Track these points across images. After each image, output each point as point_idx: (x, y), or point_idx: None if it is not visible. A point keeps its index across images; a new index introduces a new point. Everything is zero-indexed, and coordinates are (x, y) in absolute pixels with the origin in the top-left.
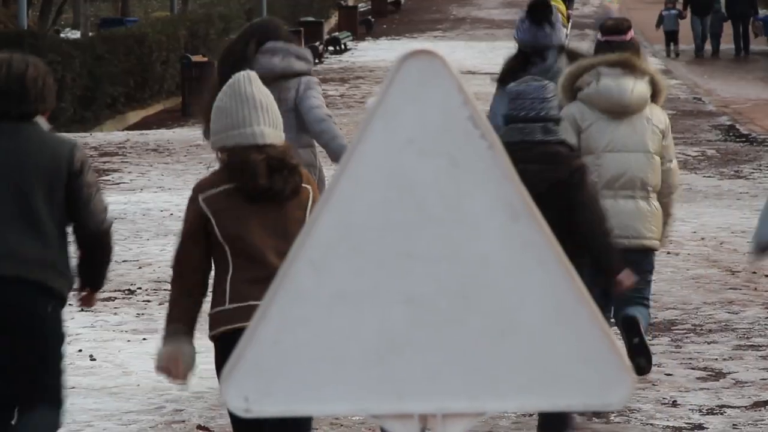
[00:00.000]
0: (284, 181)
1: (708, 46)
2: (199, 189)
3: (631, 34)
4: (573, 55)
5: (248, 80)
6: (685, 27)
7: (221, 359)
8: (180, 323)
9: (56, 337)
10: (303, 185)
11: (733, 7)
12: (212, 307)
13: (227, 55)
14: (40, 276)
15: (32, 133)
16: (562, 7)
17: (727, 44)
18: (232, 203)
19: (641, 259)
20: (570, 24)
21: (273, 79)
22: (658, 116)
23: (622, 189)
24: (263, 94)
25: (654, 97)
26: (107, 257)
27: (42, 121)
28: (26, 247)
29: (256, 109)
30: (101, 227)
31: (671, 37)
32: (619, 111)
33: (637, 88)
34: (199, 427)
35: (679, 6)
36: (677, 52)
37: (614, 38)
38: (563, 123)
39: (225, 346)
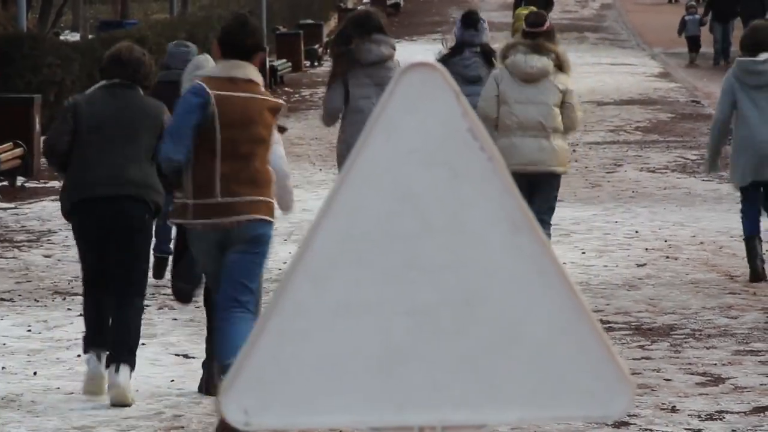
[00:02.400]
0: None
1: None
2: None
3: (547, 25)
4: (487, 51)
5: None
6: (705, 32)
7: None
8: None
9: (148, 236)
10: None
11: (744, 8)
12: None
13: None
14: (143, 193)
15: (136, 96)
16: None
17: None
18: None
19: (544, 181)
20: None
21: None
22: (561, 80)
23: (530, 130)
24: None
25: (562, 68)
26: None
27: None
28: (132, 173)
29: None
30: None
31: (695, 42)
32: (525, 77)
33: (540, 62)
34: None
35: (701, 11)
36: (695, 59)
37: (534, 30)
38: (487, 83)
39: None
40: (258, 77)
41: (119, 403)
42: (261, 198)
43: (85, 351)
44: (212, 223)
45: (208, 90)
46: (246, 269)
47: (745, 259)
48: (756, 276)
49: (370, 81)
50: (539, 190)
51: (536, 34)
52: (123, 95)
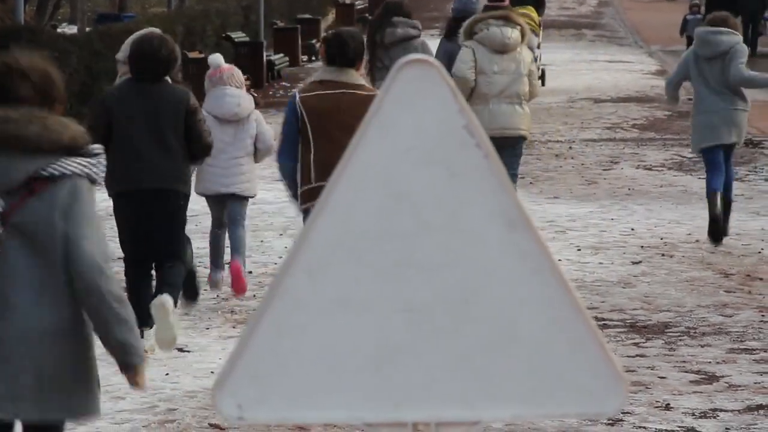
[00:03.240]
0: None
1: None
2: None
3: (506, 1)
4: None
5: None
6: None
7: None
8: None
9: (182, 220)
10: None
11: (744, 6)
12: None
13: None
14: (173, 184)
15: (163, 88)
16: (534, 14)
17: None
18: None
19: (515, 143)
20: (541, 29)
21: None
22: (527, 52)
23: (506, 98)
24: None
25: (522, 39)
26: (207, 157)
27: (168, 80)
28: (163, 165)
29: None
30: (209, 143)
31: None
32: (501, 49)
33: (513, 34)
34: (211, 425)
35: (704, 11)
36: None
37: (496, 3)
38: (463, 52)
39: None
40: (359, 80)
41: (161, 315)
42: None
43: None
44: (307, 206)
45: (297, 99)
46: None
47: (741, 257)
48: (715, 221)
49: (391, 63)
50: (506, 153)
51: (498, 6)
52: (150, 89)
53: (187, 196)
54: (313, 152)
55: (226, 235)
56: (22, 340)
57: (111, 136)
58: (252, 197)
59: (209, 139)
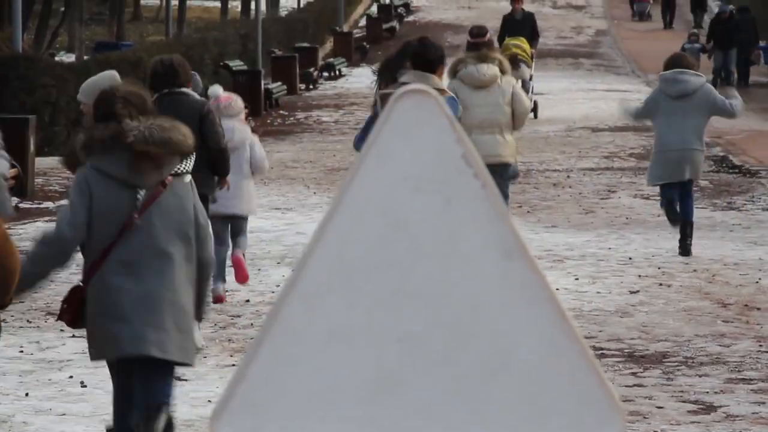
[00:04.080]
0: None
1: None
2: None
3: (488, 36)
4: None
5: None
6: (704, 61)
7: None
8: None
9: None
10: None
11: (739, 36)
12: None
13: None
14: (199, 185)
15: (182, 98)
16: (526, 45)
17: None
18: None
19: (502, 170)
20: (534, 60)
21: None
22: (507, 81)
23: (487, 128)
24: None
25: (503, 72)
26: (226, 163)
27: (188, 89)
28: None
29: None
30: (222, 146)
31: None
32: (479, 84)
33: (489, 71)
34: None
35: (703, 40)
36: None
37: (477, 40)
38: (450, 88)
39: None
40: (438, 84)
41: None
42: None
43: None
44: None
45: (378, 98)
46: None
47: (739, 287)
48: (674, 217)
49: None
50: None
51: (479, 45)
52: (170, 101)
53: (205, 196)
54: None
55: (228, 253)
56: (164, 296)
57: None
58: (252, 215)
59: (223, 142)
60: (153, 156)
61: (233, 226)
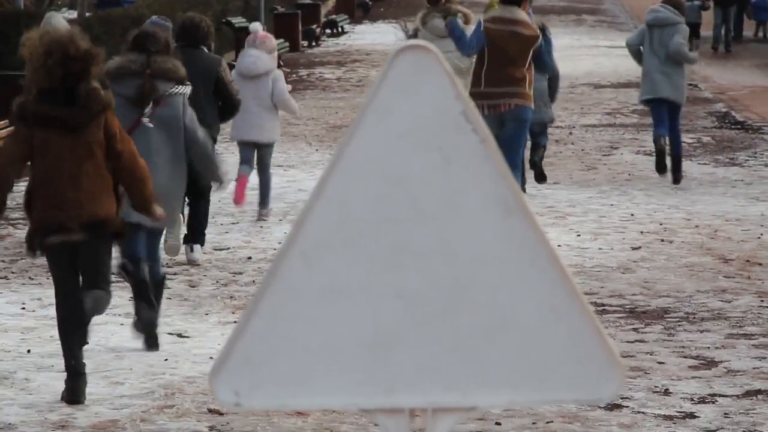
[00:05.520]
0: None
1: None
2: None
3: None
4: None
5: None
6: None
7: None
8: None
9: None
10: None
11: None
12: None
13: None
14: (205, 126)
15: (200, 54)
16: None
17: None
18: None
19: None
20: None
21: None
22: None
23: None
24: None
25: (467, 24)
26: (235, 111)
27: (207, 48)
28: (200, 112)
29: None
30: (236, 100)
31: (694, 30)
32: (443, 34)
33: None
34: (210, 410)
35: None
36: (697, 46)
37: None
38: (419, 37)
39: None
40: (524, 17)
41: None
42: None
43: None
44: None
45: (485, 27)
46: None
47: (740, 242)
48: (661, 154)
49: None
50: None
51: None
52: (190, 53)
53: (214, 140)
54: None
55: (251, 173)
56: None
57: None
58: (274, 143)
59: (237, 98)
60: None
61: (259, 154)
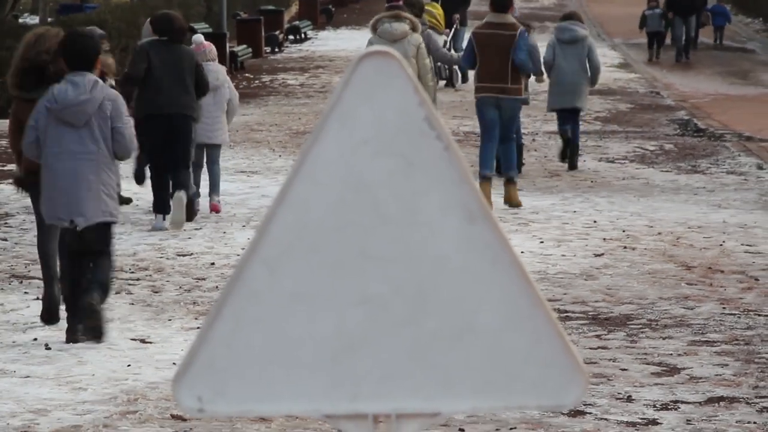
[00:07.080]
0: None
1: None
2: None
3: (401, 1)
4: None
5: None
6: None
7: None
8: None
9: (192, 138)
10: None
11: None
12: None
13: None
14: (189, 111)
15: (179, 48)
16: (438, 10)
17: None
18: None
19: None
20: (457, 27)
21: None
22: (415, 39)
23: None
24: None
25: (414, 30)
26: (204, 95)
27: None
28: (182, 99)
29: None
30: (207, 81)
31: (654, 38)
32: (391, 38)
33: (399, 27)
34: (173, 416)
35: (663, 6)
36: (658, 55)
37: (393, 3)
38: (368, 43)
39: None
40: (509, 20)
41: (177, 205)
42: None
43: (155, 213)
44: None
45: (473, 33)
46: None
47: (703, 250)
48: (566, 143)
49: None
50: None
51: (395, 7)
52: (170, 47)
53: (196, 120)
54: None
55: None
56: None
57: (146, 75)
58: (226, 144)
59: (207, 81)
60: None
61: (211, 153)
